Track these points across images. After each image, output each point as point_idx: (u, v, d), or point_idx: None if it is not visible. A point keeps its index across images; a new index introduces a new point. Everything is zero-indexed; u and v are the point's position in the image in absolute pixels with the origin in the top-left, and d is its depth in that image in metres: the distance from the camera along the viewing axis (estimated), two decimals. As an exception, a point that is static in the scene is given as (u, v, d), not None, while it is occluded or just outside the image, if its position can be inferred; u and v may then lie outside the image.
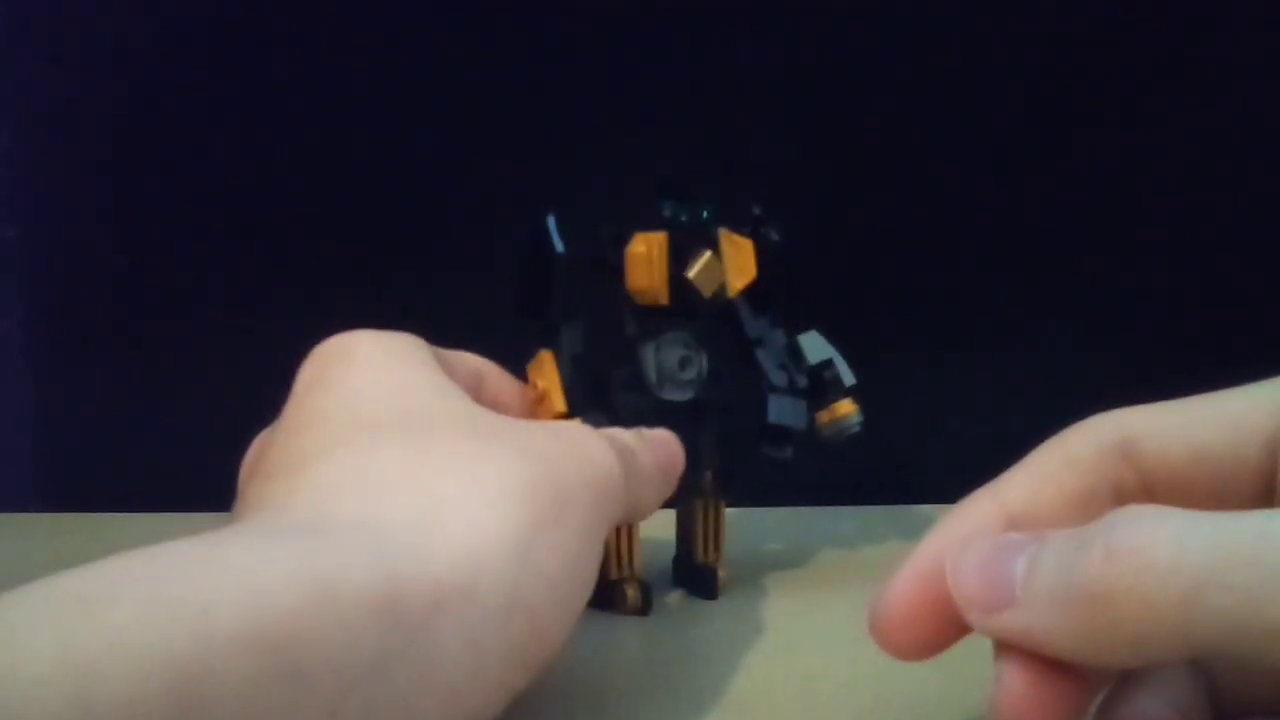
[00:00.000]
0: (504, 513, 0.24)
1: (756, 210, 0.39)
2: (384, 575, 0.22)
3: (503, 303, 0.38)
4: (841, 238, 0.53)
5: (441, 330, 0.32)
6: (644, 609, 0.37)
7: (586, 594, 0.26)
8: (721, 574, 0.39)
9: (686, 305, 0.37)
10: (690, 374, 0.38)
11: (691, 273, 0.36)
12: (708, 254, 0.37)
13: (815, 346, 0.39)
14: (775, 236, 0.39)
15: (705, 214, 0.37)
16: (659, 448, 0.32)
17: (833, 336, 0.40)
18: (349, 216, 0.56)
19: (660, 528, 0.36)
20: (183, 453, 0.56)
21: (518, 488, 0.25)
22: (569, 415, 0.35)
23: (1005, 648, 0.22)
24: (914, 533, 0.28)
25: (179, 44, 0.56)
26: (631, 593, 0.37)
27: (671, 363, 0.37)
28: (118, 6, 0.56)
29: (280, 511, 0.24)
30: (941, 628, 0.24)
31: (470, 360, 0.34)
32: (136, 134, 0.57)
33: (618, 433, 0.31)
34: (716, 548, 0.39)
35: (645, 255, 0.36)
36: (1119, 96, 0.54)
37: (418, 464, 0.25)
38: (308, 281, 0.56)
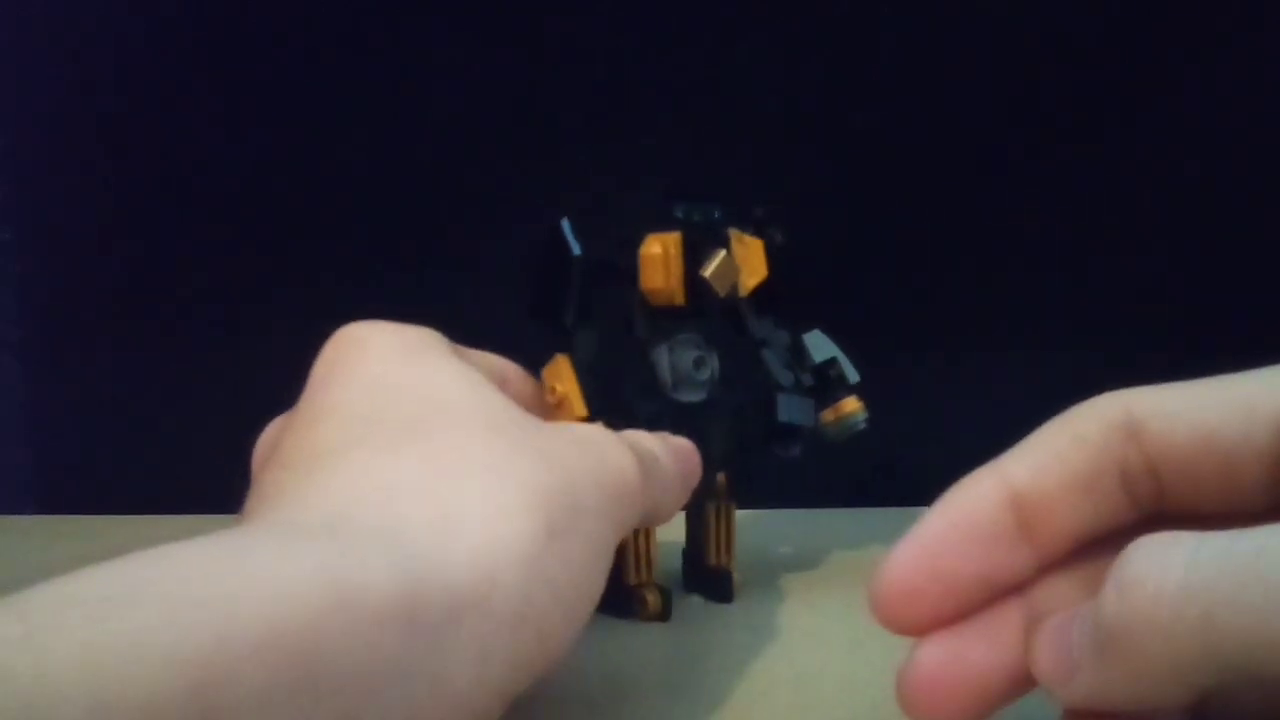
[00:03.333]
0: (520, 523, 0.24)
1: (759, 211, 0.39)
2: (404, 583, 0.22)
3: (510, 306, 0.37)
4: (846, 237, 0.53)
5: (447, 334, 0.32)
6: (664, 615, 0.36)
7: (593, 604, 0.26)
8: (737, 577, 0.38)
9: (700, 305, 0.37)
10: (704, 374, 0.37)
11: (708, 271, 0.36)
12: (722, 253, 0.36)
13: (820, 345, 0.39)
14: (780, 237, 0.39)
15: (716, 214, 0.37)
16: (680, 455, 0.32)
17: (837, 336, 0.40)
18: (351, 218, 0.56)
19: (667, 531, 0.36)
20: (178, 456, 0.55)
21: (534, 497, 0.25)
22: (590, 419, 0.35)
23: None
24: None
25: (176, 45, 0.56)
26: (652, 599, 0.36)
27: (685, 364, 0.37)
28: (113, 9, 0.56)
29: (298, 509, 0.24)
30: (940, 602, 0.24)
31: (493, 361, 0.34)
32: (133, 135, 0.56)
33: (642, 436, 0.31)
34: (728, 550, 0.39)
35: (661, 255, 0.36)
36: (1117, 98, 0.54)
37: (436, 469, 0.25)
38: (306, 285, 0.55)
